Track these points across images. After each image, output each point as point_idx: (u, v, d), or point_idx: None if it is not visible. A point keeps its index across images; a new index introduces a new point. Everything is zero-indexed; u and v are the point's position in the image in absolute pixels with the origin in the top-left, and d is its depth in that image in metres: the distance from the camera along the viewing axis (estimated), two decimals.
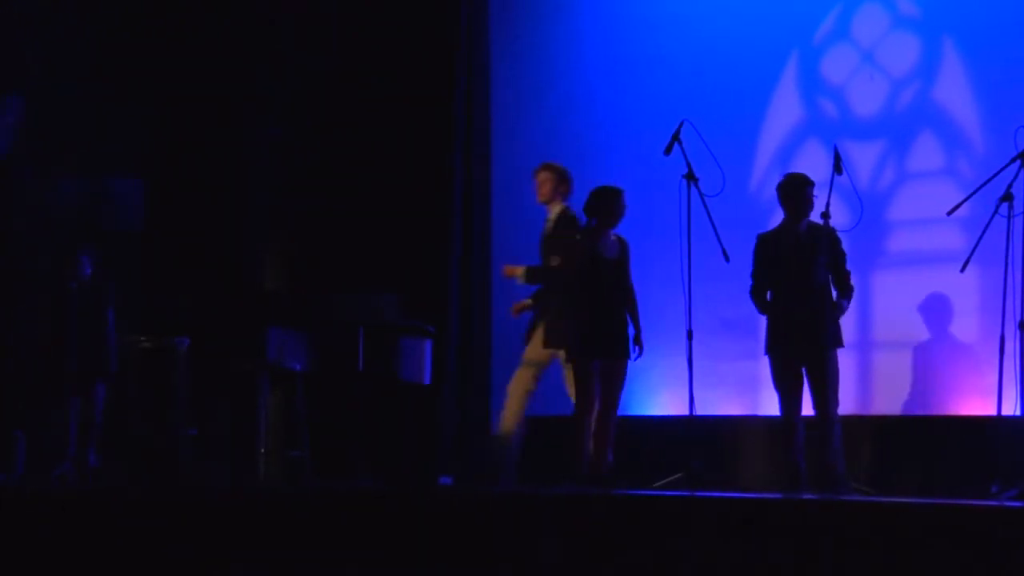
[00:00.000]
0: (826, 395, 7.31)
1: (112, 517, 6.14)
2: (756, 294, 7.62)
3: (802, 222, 7.51)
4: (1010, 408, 6.85)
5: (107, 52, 9.51)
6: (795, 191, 7.53)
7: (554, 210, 8.27)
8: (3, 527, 6.11)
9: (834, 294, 7.50)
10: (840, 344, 7.42)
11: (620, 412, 7.84)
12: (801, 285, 7.39)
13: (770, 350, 7.53)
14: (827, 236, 7.44)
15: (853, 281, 7.59)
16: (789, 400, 7.48)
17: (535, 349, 8.07)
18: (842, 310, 7.46)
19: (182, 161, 9.72)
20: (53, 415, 8.16)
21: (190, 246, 9.59)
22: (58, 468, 7.66)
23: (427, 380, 8.75)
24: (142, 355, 8.15)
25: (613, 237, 7.76)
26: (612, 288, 7.68)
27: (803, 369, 7.43)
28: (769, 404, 7.90)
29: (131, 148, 9.39)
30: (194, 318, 8.33)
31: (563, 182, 8.29)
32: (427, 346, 8.71)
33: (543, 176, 8.34)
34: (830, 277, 7.49)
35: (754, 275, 7.64)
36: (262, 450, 8.08)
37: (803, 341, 7.33)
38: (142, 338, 8.21)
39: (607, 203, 7.70)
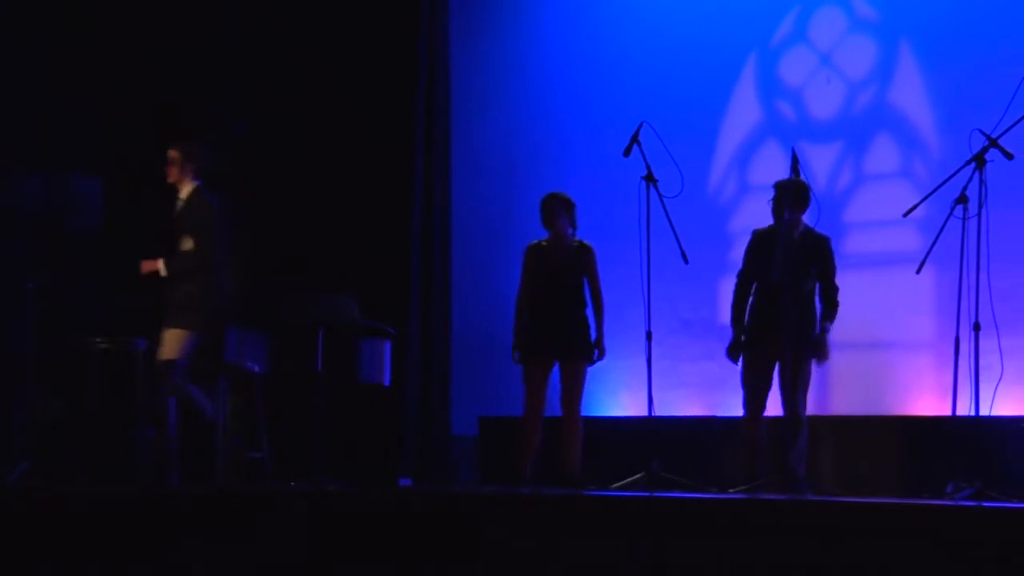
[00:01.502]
0: (797, 397, 7.33)
1: (71, 517, 6.11)
2: (741, 285, 7.62)
3: (799, 225, 7.53)
4: (965, 408, 6.88)
5: (64, 47, 9.45)
6: (796, 194, 7.52)
7: (185, 190, 8.04)
8: None
9: (818, 307, 7.50)
10: (826, 357, 7.45)
11: (582, 413, 7.89)
12: (789, 287, 7.37)
13: (747, 347, 7.54)
14: (819, 244, 7.47)
15: None
16: (755, 400, 7.51)
17: None
18: (826, 332, 7.44)
19: (139, 160, 9.66)
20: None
21: (147, 246, 9.55)
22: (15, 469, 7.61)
23: (387, 381, 8.73)
24: (101, 356, 8.09)
25: (571, 242, 7.80)
26: (562, 289, 7.74)
27: (775, 370, 7.46)
28: (728, 405, 7.93)
29: (90, 147, 9.33)
30: (152, 319, 8.28)
31: (189, 160, 8.03)
32: (387, 347, 8.70)
33: (171, 156, 8.03)
34: (817, 285, 7.51)
35: (743, 267, 7.64)
36: (220, 451, 8.05)
37: (783, 343, 7.33)
38: (100, 340, 8.15)
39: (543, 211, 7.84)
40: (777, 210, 7.54)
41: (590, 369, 7.83)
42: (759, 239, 7.63)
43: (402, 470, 9.19)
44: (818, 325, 7.43)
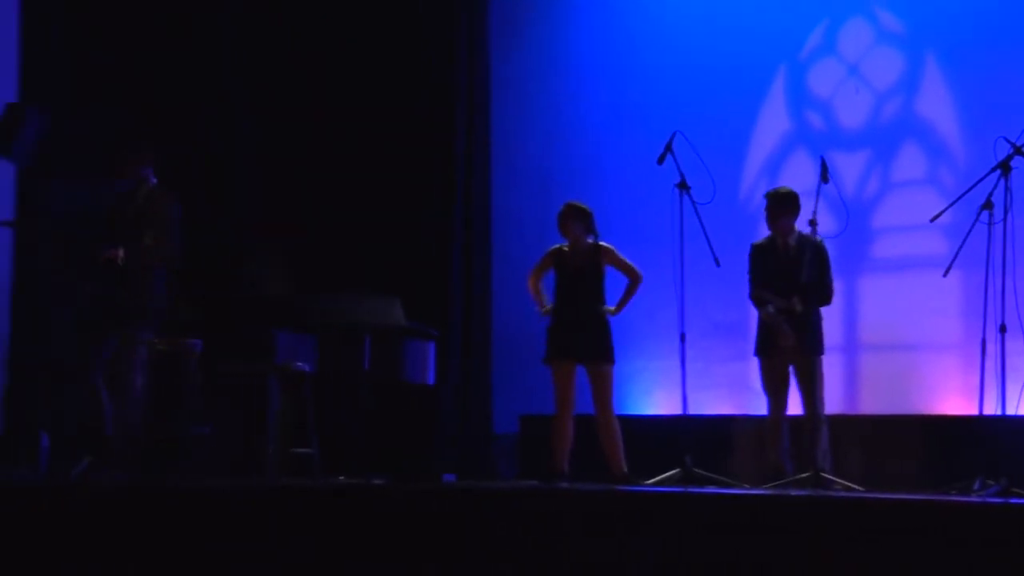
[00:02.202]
0: (813, 397, 7.34)
1: (127, 514, 6.13)
2: (755, 299, 7.64)
3: (791, 232, 7.52)
4: (991, 408, 6.84)
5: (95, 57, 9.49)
6: (784, 203, 7.54)
7: (143, 186, 7.71)
8: (28, 524, 6.09)
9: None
10: (821, 351, 7.45)
11: (618, 411, 7.86)
12: (788, 293, 7.39)
13: (759, 353, 7.56)
14: (813, 247, 7.45)
15: (839, 285, 7.60)
16: (776, 402, 7.55)
17: None
18: (801, 305, 7.39)
19: (182, 167, 9.70)
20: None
21: (201, 249, 9.59)
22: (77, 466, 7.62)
23: (431, 381, 8.73)
24: (157, 357, 8.11)
25: (587, 244, 7.80)
26: (582, 291, 7.74)
27: (790, 372, 7.48)
28: (758, 404, 7.90)
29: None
30: (206, 321, 8.30)
31: (150, 157, 7.75)
32: (430, 348, 8.69)
33: (134, 153, 7.74)
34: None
35: (751, 281, 7.67)
36: (272, 448, 8.08)
37: (792, 347, 7.36)
38: (156, 340, 8.17)
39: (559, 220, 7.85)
40: (771, 218, 7.58)
41: (626, 370, 7.81)
42: (758, 251, 7.66)
43: (445, 466, 9.20)
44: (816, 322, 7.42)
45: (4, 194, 8.07)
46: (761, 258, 7.64)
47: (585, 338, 7.73)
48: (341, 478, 7.81)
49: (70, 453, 7.32)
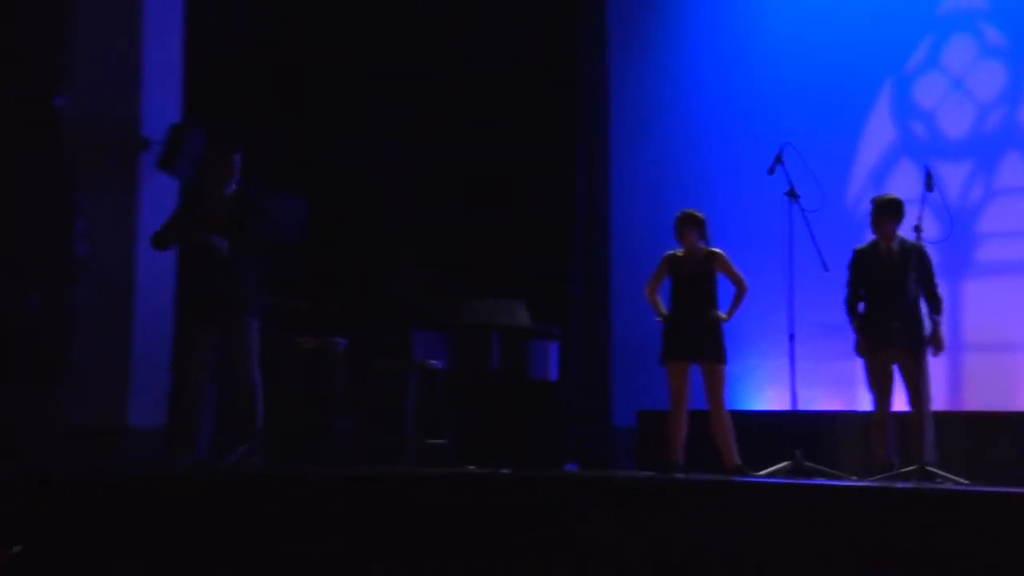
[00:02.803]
0: (919, 395, 7.22)
1: (279, 499, 6.22)
2: (850, 303, 7.56)
3: (894, 238, 7.39)
4: None
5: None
6: (888, 209, 7.42)
7: (232, 189, 7.37)
8: (189, 507, 6.20)
9: (923, 307, 7.36)
10: (941, 348, 7.33)
11: (731, 407, 7.82)
12: (894, 296, 7.28)
13: (865, 353, 7.46)
14: (917, 252, 7.31)
15: (943, 291, 7.46)
16: (882, 399, 7.46)
17: None
18: (937, 324, 7.31)
19: (338, 181, 9.85)
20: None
21: (344, 257, 9.74)
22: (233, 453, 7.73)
23: (553, 377, 8.76)
24: (303, 355, 8.23)
25: (701, 250, 7.74)
26: (695, 296, 7.70)
27: (895, 370, 7.37)
28: (864, 400, 7.84)
29: (293, 169, 9.49)
30: (350, 322, 8.43)
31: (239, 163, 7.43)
32: (553, 347, 8.74)
33: (230, 159, 7.42)
34: (920, 290, 7.36)
35: (849, 285, 7.57)
36: (409, 438, 8.15)
37: (897, 348, 7.27)
38: (304, 340, 8.30)
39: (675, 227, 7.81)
40: (875, 224, 7.45)
41: (738, 368, 7.78)
42: (860, 256, 7.54)
43: (567, 457, 9.21)
44: (926, 325, 7.28)
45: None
46: (862, 262, 7.51)
47: (699, 340, 7.68)
48: (471, 467, 7.85)
49: (226, 442, 7.42)
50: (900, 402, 7.47)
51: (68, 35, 7.67)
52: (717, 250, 7.82)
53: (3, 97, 7.42)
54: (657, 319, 7.87)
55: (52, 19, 7.54)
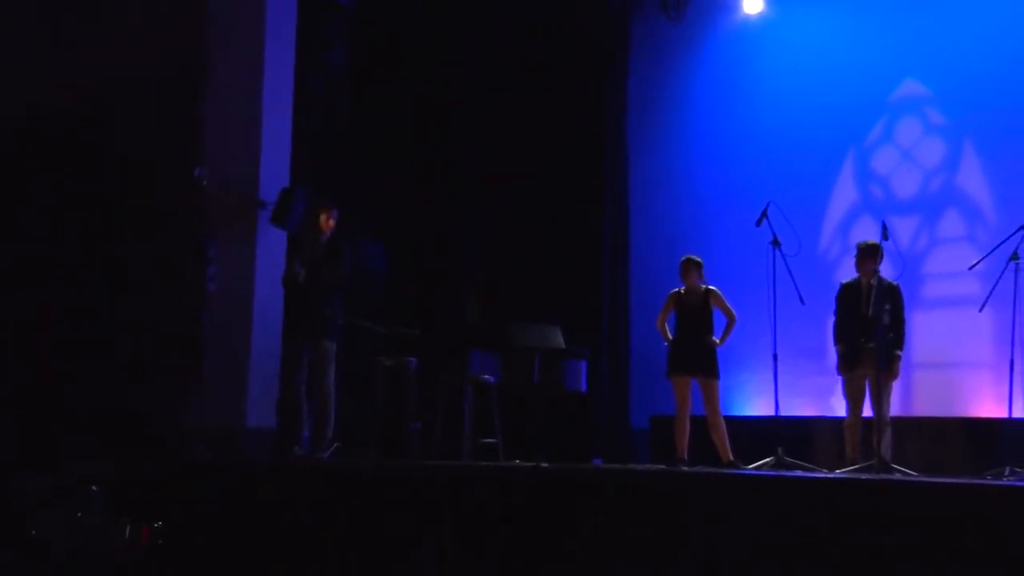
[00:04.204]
0: (881, 404, 7.18)
1: (366, 484, 6.22)
2: (838, 327, 7.50)
3: (874, 275, 7.37)
4: (1019, 412, 6.69)
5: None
6: (870, 254, 7.41)
7: (329, 239, 7.51)
8: (295, 493, 6.22)
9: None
10: (896, 374, 7.29)
11: (725, 413, 7.81)
12: (871, 324, 7.23)
13: (844, 370, 7.42)
14: (891, 290, 7.30)
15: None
16: (855, 407, 7.40)
17: None
18: (896, 358, 7.26)
19: (412, 228, 9.91)
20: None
21: (417, 289, 9.78)
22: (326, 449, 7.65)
23: (584, 389, 8.70)
24: (384, 371, 8.27)
25: (700, 287, 7.76)
26: (694, 324, 7.70)
27: (867, 384, 7.32)
28: (835, 408, 7.79)
29: (377, 218, 9.45)
30: (421, 344, 8.44)
31: (337, 219, 7.55)
32: (583, 364, 8.66)
33: (331, 215, 7.51)
34: (891, 321, 7.32)
35: (837, 312, 7.52)
36: (467, 439, 8.15)
37: (869, 365, 7.22)
38: (384, 358, 8.36)
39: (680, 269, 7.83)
40: (859, 263, 7.42)
41: (732, 382, 7.75)
42: (846, 288, 7.50)
43: (594, 453, 9.21)
44: (891, 352, 7.23)
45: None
46: (847, 294, 7.48)
47: (698, 359, 7.71)
48: (518, 461, 7.85)
49: (322, 440, 7.47)
50: (864, 409, 7.42)
51: (202, 120, 7.68)
52: (713, 288, 7.87)
53: (156, 169, 7.48)
54: (665, 344, 7.93)
55: (190, 107, 7.59)
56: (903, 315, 7.38)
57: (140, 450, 6.97)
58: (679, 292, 7.88)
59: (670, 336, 7.85)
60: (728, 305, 7.78)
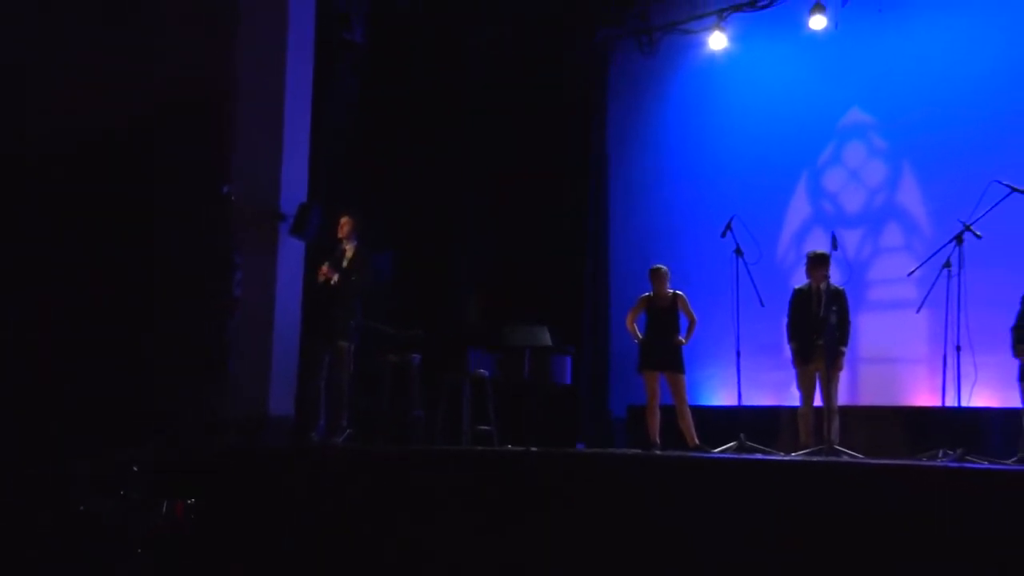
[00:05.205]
0: (830, 394, 7.19)
1: (375, 467, 6.23)
2: (791, 327, 7.51)
3: (824, 281, 7.40)
4: (951, 401, 6.72)
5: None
6: (819, 262, 7.44)
7: (350, 246, 7.49)
8: (311, 474, 6.21)
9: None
10: (841, 368, 7.31)
11: (692, 403, 7.83)
12: (820, 324, 7.25)
13: (798, 364, 7.44)
14: (838, 294, 7.33)
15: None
16: (807, 397, 7.40)
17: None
18: (841, 354, 7.26)
19: (416, 240, 9.90)
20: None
21: (420, 293, 9.77)
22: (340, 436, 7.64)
23: (568, 381, 8.71)
24: (391, 367, 8.26)
25: (668, 292, 7.82)
26: (663, 325, 7.72)
27: (816, 377, 7.35)
28: (791, 399, 7.82)
29: (385, 231, 9.40)
30: (424, 343, 8.44)
31: (356, 225, 7.53)
32: (568, 360, 8.68)
33: (347, 221, 7.49)
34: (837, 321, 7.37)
35: (790, 314, 7.53)
36: (465, 426, 8.15)
37: (820, 360, 7.22)
38: (391, 356, 8.36)
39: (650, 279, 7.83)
40: (809, 270, 7.43)
41: (699, 375, 7.75)
42: (798, 293, 7.52)
43: (578, 438, 9.22)
44: (837, 348, 7.26)
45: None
46: (799, 298, 7.48)
47: (665, 356, 7.72)
48: (510, 446, 7.89)
49: (337, 428, 7.48)
50: (815, 399, 7.43)
51: (229, 142, 7.65)
52: (680, 292, 7.91)
53: (188, 187, 7.47)
54: (635, 341, 7.96)
55: (218, 130, 7.56)
56: (848, 316, 7.40)
57: (175, 437, 6.97)
58: (649, 296, 7.92)
59: (639, 334, 7.88)
60: (691, 309, 7.81)
